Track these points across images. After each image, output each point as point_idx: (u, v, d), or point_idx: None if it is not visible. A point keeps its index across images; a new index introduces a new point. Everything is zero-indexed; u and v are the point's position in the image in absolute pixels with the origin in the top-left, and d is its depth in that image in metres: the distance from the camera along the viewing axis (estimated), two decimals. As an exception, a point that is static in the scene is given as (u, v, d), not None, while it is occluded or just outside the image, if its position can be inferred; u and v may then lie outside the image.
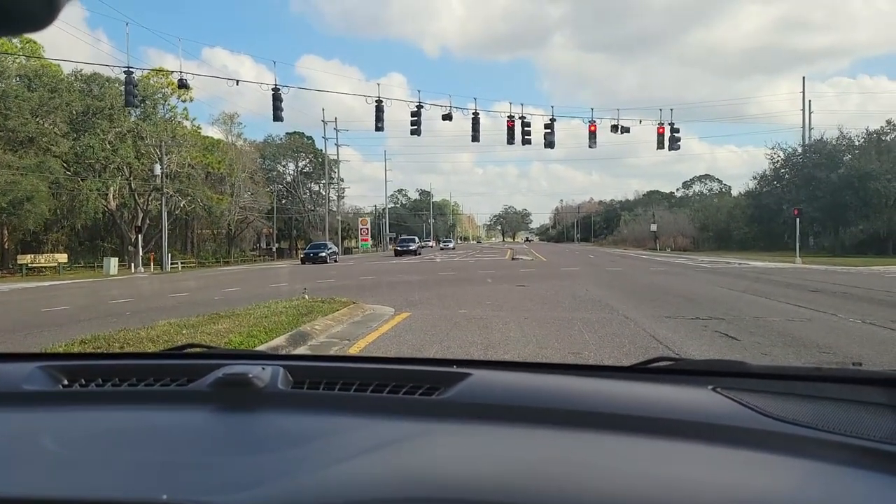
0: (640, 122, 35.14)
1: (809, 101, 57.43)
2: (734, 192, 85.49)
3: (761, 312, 11.17)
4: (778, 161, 58.00)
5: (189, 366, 1.54)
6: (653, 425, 1.18)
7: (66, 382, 1.47)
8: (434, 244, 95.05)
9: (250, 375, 1.35)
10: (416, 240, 65.76)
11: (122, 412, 1.36)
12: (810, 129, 56.70)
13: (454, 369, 1.45)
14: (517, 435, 1.19)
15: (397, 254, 56.39)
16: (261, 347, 7.83)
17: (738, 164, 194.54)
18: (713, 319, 10.27)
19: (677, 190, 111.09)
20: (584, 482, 1.00)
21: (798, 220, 36.97)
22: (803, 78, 59.40)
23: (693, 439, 1.13)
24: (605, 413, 1.23)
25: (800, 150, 56.40)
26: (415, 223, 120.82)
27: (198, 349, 1.91)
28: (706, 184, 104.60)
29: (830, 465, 1.05)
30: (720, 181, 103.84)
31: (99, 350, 7.47)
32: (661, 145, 33.01)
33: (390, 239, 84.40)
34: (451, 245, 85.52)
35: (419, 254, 56.93)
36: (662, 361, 1.61)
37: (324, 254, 45.15)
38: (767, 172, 59.62)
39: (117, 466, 1.08)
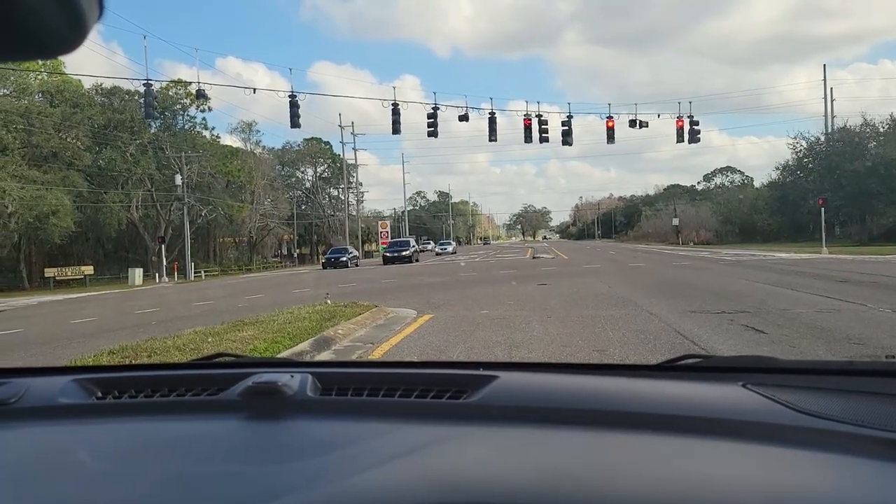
0: (659, 115, 34.80)
1: (831, 88, 56.67)
2: (756, 184, 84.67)
3: (788, 304, 11.03)
4: (801, 150, 57.27)
5: (218, 375, 1.56)
6: (683, 424, 1.17)
7: (99, 395, 1.49)
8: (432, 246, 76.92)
9: (279, 383, 1.36)
10: (412, 242, 51.06)
11: (154, 423, 1.38)
12: (833, 116, 55.96)
13: (480, 372, 1.45)
14: (546, 437, 1.18)
15: (386, 261, 45.18)
16: (285, 353, 7.88)
17: (759, 155, 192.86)
18: (739, 313, 10.16)
19: (698, 183, 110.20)
20: (616, 483, 0.99)
21: (823, 209, 36.47)
22: (824, 66, 59.11)
23: (725, 437, 1.12)
24: (634, 413, 1.22)
25: (823, 138, 55.63)
26: (434, 225, 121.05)
27: (227, 358, 1.93)
28: (728, 176, 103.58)
29: (865, 460, 1.03)
30: (742, 173, 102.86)
31: (127, 359, 7.57)
32: (680, 138, 32.77)
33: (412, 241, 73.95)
34: (449, 248, 67.65)
35: (416, 260, 45.94)
36: (691, 359, 1.60)
37: (344, 258, 45.30)
38: (790, 162, 58.90)
39: (151, 478, 1.09)
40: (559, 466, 1.06)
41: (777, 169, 61.97)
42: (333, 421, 1.31)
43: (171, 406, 1.43)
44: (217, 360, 1.87)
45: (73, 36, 0.61)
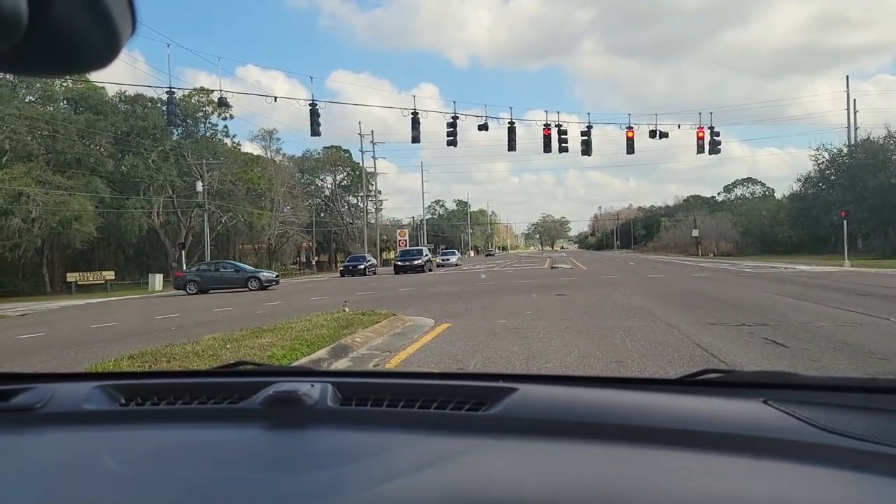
0: (679, 126, 34.56)
1: (854, 99, 56.00)
2: (778, 195, 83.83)
3: (810, 317, 10.90)
4: (823, 162, 56.66)
5: (240, 383, 1.57)
6: (703, 439, 1.16)
7: (123, 401, 1.51)
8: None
9: (300, 393, 1.37)
10: (424, 251, 49.25)
11: (177, 430, 1.40)
12: (856, 128, 55.29)
13: (500, 384, 1.45)
14: (566, 450, 1.18)
15: (398, 270, 43.62)
16: (303, 360, 7.92)
17: (780, 167, 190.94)
18: (759, 325, 10.06)
19: (718, 194, 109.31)
20: (636, 498, 0.99)
21: (845, 222, 36.00)
22: (847, 77, 58.57)
23: (745, 453, 1.11)
24: (654, 427, 1.21)
25: (845, 150, 54.99)
26: (452, 234, 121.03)
27: (248, 366, 1.94)
28: (748, 187, 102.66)
29: (888, 479, 1.02)
30: (763, 184, 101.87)
31: (147, 364, 7.64)
32: (701, 149, 32.53)
33: (430, 250, 69.39)
34: (452, 259, 59.93)
35: (429, 269, 44.31)
36: (711, 373, 1.59)
37: (362, 266, 45.42)
38: (812, 174, 58.26)
39: (174, 485, 1.11)
40: (580, 480, 1.06)
41: (799, 181, 61.35)
42: (354, 431, 1.31)
43: (194, 414, 1.45)
44: (238, 367, 1.89)
45: (106, 52, 0.62)
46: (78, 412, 1.45)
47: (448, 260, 58.91)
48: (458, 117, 30.18)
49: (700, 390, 1.50)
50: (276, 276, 34.42)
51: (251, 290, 30.99)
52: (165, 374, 2.18)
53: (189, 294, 31.42)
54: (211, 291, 31.99)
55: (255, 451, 1.27)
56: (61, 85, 48.89)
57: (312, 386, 1.42)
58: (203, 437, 1.35)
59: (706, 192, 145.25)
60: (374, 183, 78.11)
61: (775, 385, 1.44)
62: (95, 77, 49.77)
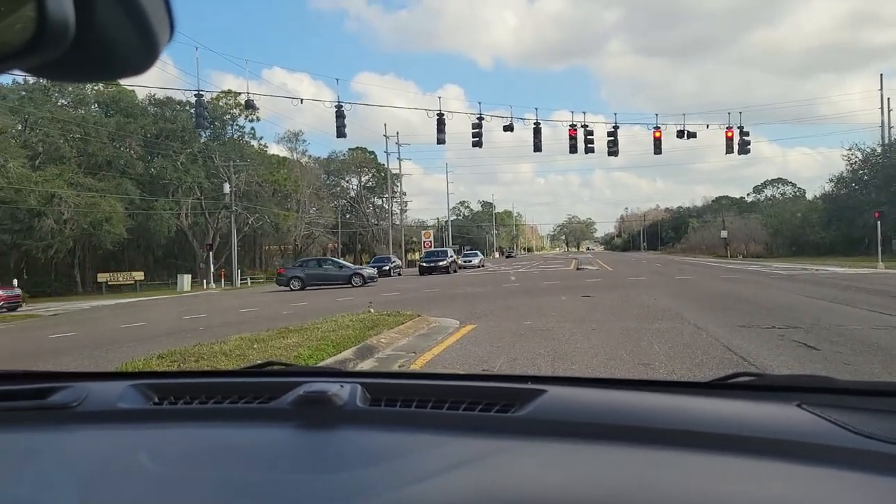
0: (707, 126, 34.20)
1: (888, 98, 54.87)
2: (809, 196, 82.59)
3: (842, 320, 10.71)
4: (856, 162, 55.72)
5: (269, 383, 1.58)
6: (736, 443, 1.14)
7: (156, 400, 1.53)
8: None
9: (329, 393, 1.37)
10: (450, 252, 48.99)
11: (209, 429, 1.41)
12: (889, 127, 54.20)
13: (528, 385, 1.44)
14: (596, 453, 1.17)
15: (423, 272, 43.70)
16: (328, 361, 7.96)
17: (811, 167, 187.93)
18: (790, 328, 9.90)
19: (748, 195, 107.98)
20: (666, 501, 0.98)
21: (879, 223, 35.35)
22: (881, 75, 57.41)
23: (780, 458, 1.09)
24: (686, 431, 1.20)
25: (879, 149, 53.99)
26: (477, 235, 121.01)
27: (277, 366, 1.96)
28: (779, 188, 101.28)
29: None
30: (794, 185, 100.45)
31: (176, 363, 7.74)
32: (730, 149, 32.18)
33: (455, 251, 61.12)
34: (474, 261, 58.18)
35: (454, 271, 43.70)
36: (743, 377, 1.56)
37: (387, 267, 45.56)
38: (844, 174, 57.33)
39: (207, 483, 1.12)
40: (610, 483, 1.05)
41: (831, 181, 60.42)
42: (383, 432, 1.31)
43: (225, 413, 1.46)
44: (267, 368, 1.91)
45: (145, 57, 0.63)
46: (113, 410, 1.47)
47: (470, 261, 58.26)
48: (483, 118, 30.24)
49: (732, 394, 1.48)
50: (376, 273, 34.81)
51: (354, 286, 31.28)
52: (197, 374, 2.21)
53: (292, 290, 31.46)
54: (308, 288, 31.95)
55: (286, 451, 1.28)
56: (93, 89, 49.83)
57: (342, 386, 1.42)
58: (234, 436, 1.37)
59: (735, 193, 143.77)
60: (399, 184, 78.53)
61: (810, 389, 1.42)
62: (127, 81, 50.70)
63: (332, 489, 1.05)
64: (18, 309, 28.34)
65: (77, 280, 48.04)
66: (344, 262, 37.12)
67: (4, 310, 27.36)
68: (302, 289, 31.83)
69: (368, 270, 34.37)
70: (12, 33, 0.55)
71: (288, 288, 32.43)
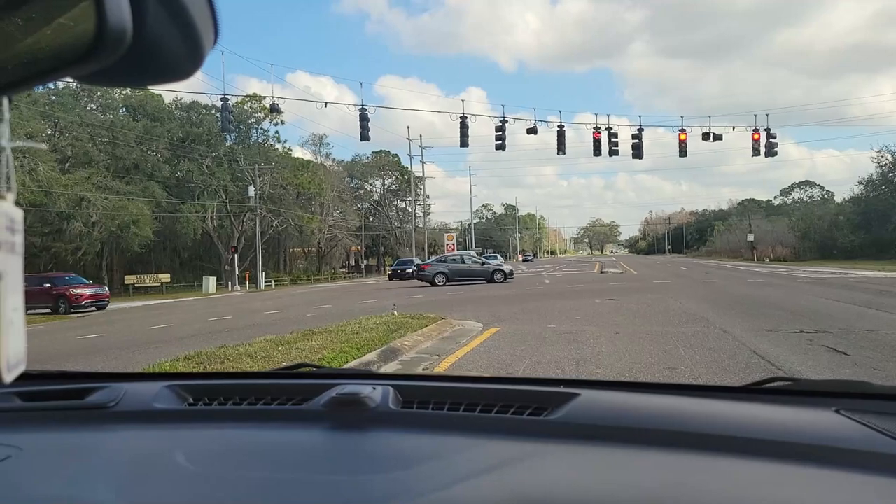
0: (733, 128, 33.83)
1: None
2: (837, 199, 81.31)
3: (872, 325, 10.52)
4: (886, 164, 54.79)
5: (302, 385, 1.60)
6: (774, 449, 1.13)
7: (191, 401, 1.56)
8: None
9: (362, 395, 1.38)
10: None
11: (243, 430, 1.43)
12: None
13: (561, 389, 1.44)
14: (629, 457, 1.17)
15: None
16: (353, 363, 7.99)
17: (840, 169, 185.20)
18: (819, 333, 9.75)
19: (775, 197, 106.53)
20: None
21: (909, 226, 34.71)
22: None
23: (819, 464, 1.08)
24: (720, 435, 1.19)
25: (910, 151, 53.11)
26: (501, 238, 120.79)
27: (309, 368, 1.98)
28: (806, 190, 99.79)
29: None
30: (822, 187, 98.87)
31: (202, 365, 7.82)
32: (756, 152, 31.73)
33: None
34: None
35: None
36: (777, 381, 1.55)
37: (411, 270, 45.64)
38: (874, 177, 56.40)
39: (242, 483, 1.13)
40: (644, 487, 1.05)
41: (860, 183, 59.51)
42: (416, 434, 1.32)
43: (259, 414, 1.48)
44: (299, 370, 1.93)
45: (191, 62, 0.63)
46: (149, 411, 1.49)
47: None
48: (506, 121, 30.11)
49: (767, 398, 1.46)
50: (511, 269, 35.33)
51: (496, 282, 31.62)
52: (230, 375, 2.24)
53: (437, 286, 31.58)
54: (449, 283, 32.17)
55: (319, 453, 1.29)
56: (120, 93, 50.56)
57: (374, 389, 1.43)
58: (268, 437, 1.38)
59: (761, 196, 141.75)
60: (422, 187, 78.52)
61: (846, 394, 1.40)
62: (173, 85, 51.45)
63: (368, 490, 1.05)
64: (107, 308, 27.89)
65: (105, 282, 48.70)
66: (485, 259, 37.73)
67: (94, 308, 27.06)
68: (445, 284, 32.00)
69: (509, 267, 35.19)
70: (72, 39, 0.55)
71: (431, 284, 32.28)
